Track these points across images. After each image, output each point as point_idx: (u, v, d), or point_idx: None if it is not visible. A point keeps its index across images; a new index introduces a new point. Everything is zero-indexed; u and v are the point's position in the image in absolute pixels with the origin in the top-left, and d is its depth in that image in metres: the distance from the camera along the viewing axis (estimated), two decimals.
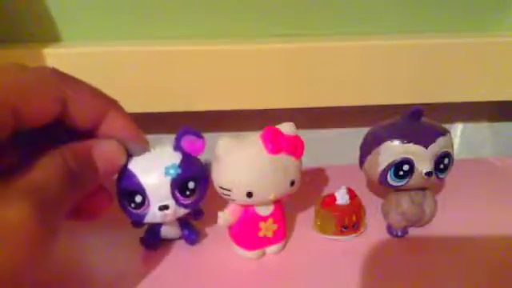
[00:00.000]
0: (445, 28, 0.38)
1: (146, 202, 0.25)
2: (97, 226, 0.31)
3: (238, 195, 0.25)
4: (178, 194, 0.25)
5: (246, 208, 0.27)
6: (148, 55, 0.34)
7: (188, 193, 0.25)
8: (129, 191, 0.25)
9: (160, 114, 0.36)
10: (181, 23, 0.36)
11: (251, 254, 0.28)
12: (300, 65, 0.35)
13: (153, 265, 0.28)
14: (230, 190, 0.25)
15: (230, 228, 0.28)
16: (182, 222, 0.28)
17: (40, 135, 0.21)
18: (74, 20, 0.35)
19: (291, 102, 0.37)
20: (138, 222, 0.26)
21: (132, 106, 0.34)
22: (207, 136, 0.26)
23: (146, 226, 0.28)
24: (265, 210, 0.27)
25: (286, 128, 0.26)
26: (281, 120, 0.26)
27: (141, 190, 0.24)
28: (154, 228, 0.28)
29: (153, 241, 0.29)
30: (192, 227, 0.29)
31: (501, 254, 0.28)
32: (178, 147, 0.25)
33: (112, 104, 0.23)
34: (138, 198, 0.25)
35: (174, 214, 0.26)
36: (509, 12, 0.38)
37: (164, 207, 0.25)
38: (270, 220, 0.27)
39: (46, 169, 0.20)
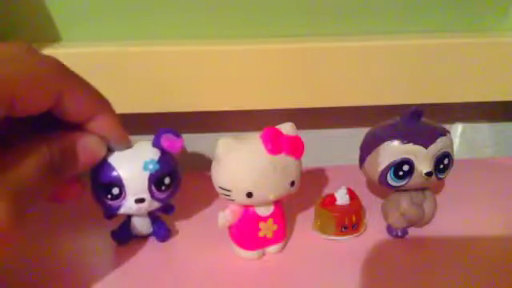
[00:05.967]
0: (445, 28, 0.38)
1: (123, 195, 0.26)
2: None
3: (238, 195, 0.25)
4: (154, 189, 0.26)
5: (246, 208, 0.27)
6: (147, 55, 0.34)
7: (163, 188, 0.26)
8: (107, 183, 0.25)
9: (159, 114, 0.36)
10: (179, 23, 0.36)
11: (251, 254, 0.28)
12: (300, 65, 0.35)
13: (151, 264, 0.28)
14: (229, 191, 0.25)
15: (230, 228, 0.28)
16: (153, 218, 0.29)
17: (29, 121, 0.21)
18: (74, 20, 0.35)
19: (291, 102, 0.36)
20: (111, 213, 0.27)
21: (131, 106, 0.34)
22: (207, 136, 0.26)
23: (118, 221, 0.28)
24: (265, 211, 0.27)
25: (286, 128, 0.26)
26: (281, 120, 0.26)
27: (119, 183, 0.25)
28: (126, 224, 0.29)
29: (124, 236, 0.29)
30: (162, 223, 0.29)
31: (501, 253, 0.28)
32: (156, 144, 0.26)
33: (104, 105, 0.24)
34: (115, 190, 0.26)
35: (149, 207, 0.27)
36: (509, 12, 0.38)
37: (140, 200, 0.26)
38: (270, 220, 0.27)
39: (30, 160, 0.20)
